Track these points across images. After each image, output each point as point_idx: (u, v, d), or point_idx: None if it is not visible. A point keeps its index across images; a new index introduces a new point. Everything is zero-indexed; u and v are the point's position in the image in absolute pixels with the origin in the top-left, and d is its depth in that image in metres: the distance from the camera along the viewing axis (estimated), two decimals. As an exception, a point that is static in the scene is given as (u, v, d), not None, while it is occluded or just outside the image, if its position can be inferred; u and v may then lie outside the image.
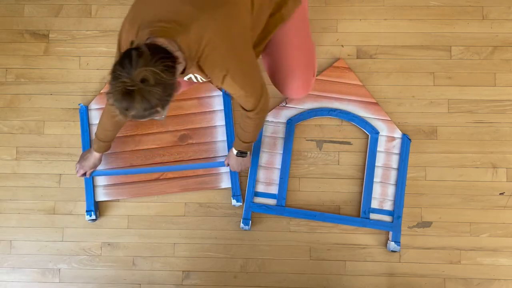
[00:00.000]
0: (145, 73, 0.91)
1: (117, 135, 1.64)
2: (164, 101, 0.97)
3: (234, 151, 1.48)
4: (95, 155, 1.54)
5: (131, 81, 0.91)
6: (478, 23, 1.70)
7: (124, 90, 0.92)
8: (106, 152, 1.61)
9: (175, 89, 0.99)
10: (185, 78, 1.24)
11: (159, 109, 0.97)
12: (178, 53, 1.01)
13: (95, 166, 1.58)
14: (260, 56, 1.42)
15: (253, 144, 1.47)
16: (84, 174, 1.58)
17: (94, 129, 1.65)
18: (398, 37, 1.71)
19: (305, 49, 1.40)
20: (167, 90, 0.96)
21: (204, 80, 1.20)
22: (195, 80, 1.26)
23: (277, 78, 1.42)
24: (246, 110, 1.28)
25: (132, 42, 1.02)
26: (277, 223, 1.65)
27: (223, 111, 1.66)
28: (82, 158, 1.56)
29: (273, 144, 1.65)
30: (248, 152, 1.50)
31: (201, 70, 1.11)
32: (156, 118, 1.02)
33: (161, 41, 1.00)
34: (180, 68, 1.04)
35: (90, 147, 1.57)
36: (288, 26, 1.33)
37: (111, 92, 0.94)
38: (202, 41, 1.04)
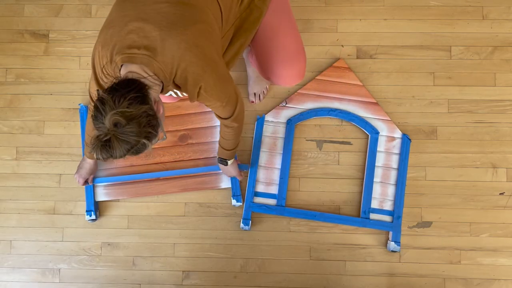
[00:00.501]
0: (114, 118, 0.92)
1: (117, 135, 1.64)
2: (145, 133, 0.96)
3: (218, 159, 1.51)
4: (89, 161, 1.55)
5: (106, 130, 0.93)
6: (478, 23, 1.70)
7: (100, 143, 0.94)
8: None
9: (155, 114, 0.99)
10: (166, 95, 1.26)
11: (144, 141, 0.97)
12: (149, 78, 1.02)
13: (93, 172, 1.59)
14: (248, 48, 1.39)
15: (235, 152, 1.47)
16: (86, 182, 1.60)
17: (94, 129, 1.66)
18: (398, 37, 1.71)
19: (293, 33, 1.35)
20: (143, 121, 0.96)
21: (185, 94, 1.21)
22: (175, 96, 1.27)
23: (269, 68, 1.36)
24: (223, 118, 1.28)
25: (98, 91, 1.02)
26: (277, 223, 1.65)
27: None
28: (79, 167, 1.58)
29: (273, 144, 1.65)
30: (230, 161, 1.50)
31: (178, 87, 1.13)
32: (159, 141, 1.04)
33: (135, 70, 1.02)
34: (155, 91, 1.05)
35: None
36: (269, 13, 1.30)
37: (91, 151, 0.96)
38: (173, 63, 1.04)
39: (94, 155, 0.96)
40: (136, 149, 0.97)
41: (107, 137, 0.93)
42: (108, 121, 0.93)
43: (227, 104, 1.21)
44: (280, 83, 1.40)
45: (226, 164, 1.50)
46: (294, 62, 1.34)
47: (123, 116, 0.93)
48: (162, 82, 1.07)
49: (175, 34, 1.03)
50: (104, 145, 0.94)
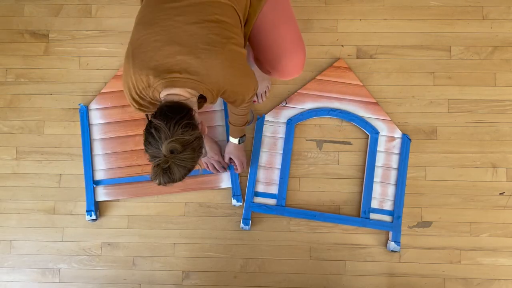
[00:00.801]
0: (170, 145, 0.99)
1: (118, 135, 1.65)
2: (199, 155, 1.05)
3: (235, 140, 1.51)
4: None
5: (163, 158, 1.00)
6: (478, 23, 1.71)
7: (161, 171, 1.01)
8: (106, 152, 1.61)
9: (202, 137, 1.07)
10: None
11: (198, 163, 1.07)
12: (192, 98, 1.08)
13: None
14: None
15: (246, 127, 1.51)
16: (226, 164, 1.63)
17: (94, 129, 1.65)
18: (398, 37, 1.71)
19: (292, 25, 1.36)
20: (196, 145, 1.04)
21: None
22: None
23: (267, 61, 1.36)
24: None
25: (147, 116, 1.08)
26: (277, 223, 1.65)
27: (223, 111, 1.66)
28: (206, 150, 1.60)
29: (273, 144, 1.65)
30: (244, 137, 1.54)
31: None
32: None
33: (178, 92, 1.07)
34: (196, 111, 1.10)
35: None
36: (267, 6, 1.31)
37: (154, 178, 1.03)
38: (219, 82, 1.10)
39: (156, 181, 1.02)
40: (191, 171, 1.06)
41: (168, 165, 1.00)
42: (165, 148, 0.99)
43: (255, 89, 1.27)
44: (279, 76, 1.40)
45: (244, 140, 1.53)
46: (293, 53, 1.34)
47: (179, 143, 0.99)
48: (197, 99, 1.12)
49: (215, 55, 1.07)
50: (166, 172, 1.01)
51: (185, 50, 1.05)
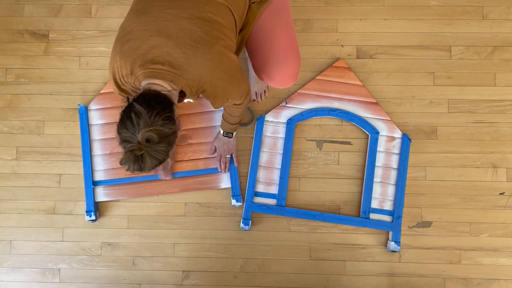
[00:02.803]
0: (148, 134, 0.99)
1: (117, 135, 1.65)
2: (171, 148, 1.05)
3: (222, 131, 1.53)
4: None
5: (138, 144, 0.99)
6: (478, 23, 1.70)
7: (134, 157, 1.00)
8: (106, 152, 1.61)
9: (177, 134, 1.07)
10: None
11: (168, 159, 1.07)
12: (173, 92, 1.08)
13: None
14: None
15: (238, 125, 1.51)
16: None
17: (93, 130, 1.65)
18: (398, 37, 1.71)
19: (289, 34, 1.35)
20: (171, 140, 1.04)
21: (192, 100, 1.26)
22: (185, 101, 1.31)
23: (261, 69, 1.36)
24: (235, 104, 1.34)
25: (128, 98, 1.08)
26: (277, 223, 1.65)
27: (221, 111, 1.66)
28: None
29: (273, 144, 1.65)
30: (234, 134, 1.55)
31: (198, 97, 1.19)
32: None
33: (159, 83, 1.07)
34: (175, 106, 1.10)
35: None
36: (266, 13, 1.31)
37: (125, 163, 1.03)
38: (200, 80, 1.09)
39: (126, 167, 1.02)
40: (159, 164, 1.05)
41: (141, 152, 1.00)
42: (141, 135, 0.99)
43: (241, 97, 1.27)
44: (272, 84, 1.40)
45: (231, 137, 1.55)
46: (287, 64, 1.33)
47: (156, 133, 1.00)
48: (179, 94, 1.12)
49: (200, 54, 1.06)
50: (137, 159, 1.01)
51: (172, 43, 1.06)
